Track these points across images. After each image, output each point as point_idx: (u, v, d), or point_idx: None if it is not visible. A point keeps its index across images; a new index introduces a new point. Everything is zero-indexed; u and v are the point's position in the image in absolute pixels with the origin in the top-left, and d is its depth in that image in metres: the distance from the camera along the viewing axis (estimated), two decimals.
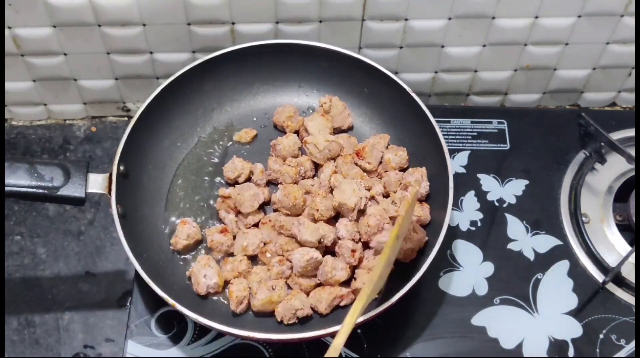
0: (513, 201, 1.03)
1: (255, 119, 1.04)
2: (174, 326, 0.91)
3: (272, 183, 0.98)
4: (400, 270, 0.88)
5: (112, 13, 0.96)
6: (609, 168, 1.04)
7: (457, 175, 1.05)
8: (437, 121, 0.98)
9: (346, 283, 0.89)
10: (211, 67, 0.98)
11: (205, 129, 1.02)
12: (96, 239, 1.00)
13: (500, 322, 0.93)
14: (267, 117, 1.04)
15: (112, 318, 0.95)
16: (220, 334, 0.90)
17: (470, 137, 1.08)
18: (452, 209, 0.99)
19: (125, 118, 1.13)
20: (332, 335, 0.86)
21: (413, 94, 0.95)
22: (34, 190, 0.83)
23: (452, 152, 1.07)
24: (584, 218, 1.00)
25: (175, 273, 0.90)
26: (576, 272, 0.97)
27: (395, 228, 0.77)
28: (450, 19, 1.01)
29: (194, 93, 0.99)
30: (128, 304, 0.94)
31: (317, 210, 0.90)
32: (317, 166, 0.98)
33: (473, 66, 1.10)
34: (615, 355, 0.91)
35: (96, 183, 0.85)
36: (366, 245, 0.90)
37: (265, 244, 0.91)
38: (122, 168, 0.89)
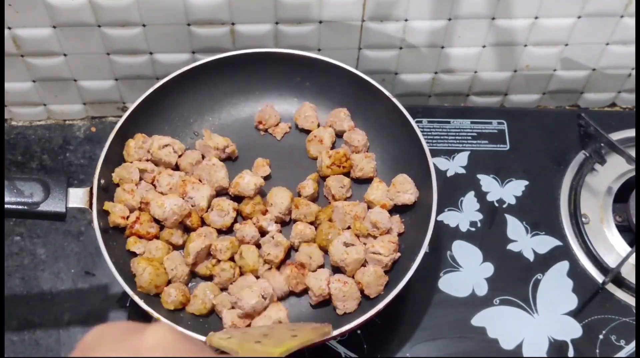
0: (513, 201, 1.03)
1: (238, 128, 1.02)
2: None
3: None
4: (391, 274, 0.88)
5: (112, 13, 0.96)
6: (609, 168, 1.04)
7: (456, 176, 1.04)
8: (437, 122, 0.99)
9: None
10: (188, 79, 0.96)
11: (186, 140, 0.99)
12: (95, 239, 0.98)
13: (500, 322, 0.93)
14: (250, 127, 1.02)
15: (112, 318, 0.94)
16: None
17: (470, 137, 1.08)
18: (451, 210, 1.01)
19: None
20: (335, 338, 0.87)
21: (389, 95, 0.94)
22: (13, 206, 0.82)
23: (452, 152, 1.06)
24: (583, 219, 1.00)
25: None
26: (576, 273, 0.97)
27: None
28: (450, 19, 1.01)
29: (173, 105, 0.98)
30: (128, 305, 0.94)
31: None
32: None
33: (473, 67, 1.10)
34: (615, 356, 0.91)
35: (77, 197, 0.84)
36: None
37: None
38: (102, 181, 0.88)
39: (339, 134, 0.99)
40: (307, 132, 1.00)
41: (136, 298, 0.81)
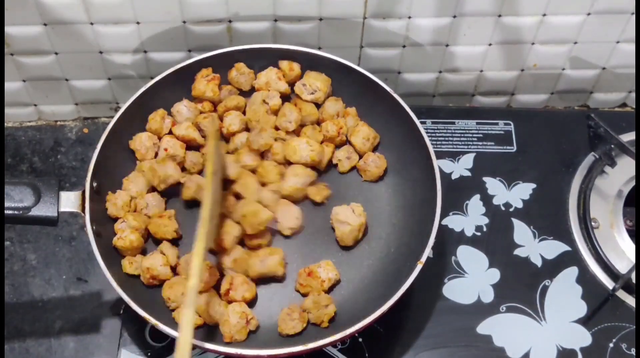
0: (520, 205, 1.02)
1: None
2: (168, 335, 0.89)
3: None
4: (393, 278, 0.87)
5: (105, 11, 0.95)
6: (619, 171, 1.03)
7: (462, 178, 1.04)
8: (442, 123, 0.97)
9: None
10: (182, 77, 0.96)
11: None
12: (88, 244, 0.97)
13: (507, 330, 0.92)
14: None
15: (105, 326, 0.93)
16: None
17: (475, 139, 1.08)
18: (456, 214, 1.01)
19: None
20: (335, 345, 0.87)
21: (394, 94, 0.94)
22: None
23: (457, 154, 1.06)
24: (593, 223, 0.99)
25: (157, 293, 0.88)
26: (585, 279, 0.96)
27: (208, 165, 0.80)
28: (455, 17, 1.00)
29: (167, 104, 0.97)
30: (121, 312, 0.93)
31: None
32: None
33: (478, 66, 1.09)
34: None
35: (69, 201, 0.83)
36: None
37: None
38: (95, 184, 0.87)
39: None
40: None
41: (133, 305, 0.80)
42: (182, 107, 0.95)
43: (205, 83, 0.95)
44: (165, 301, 0.85)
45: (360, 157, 0.96)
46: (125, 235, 0.86)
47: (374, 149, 0.97)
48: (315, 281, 0.86)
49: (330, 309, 0.85)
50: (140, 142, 0.93)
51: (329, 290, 0.88)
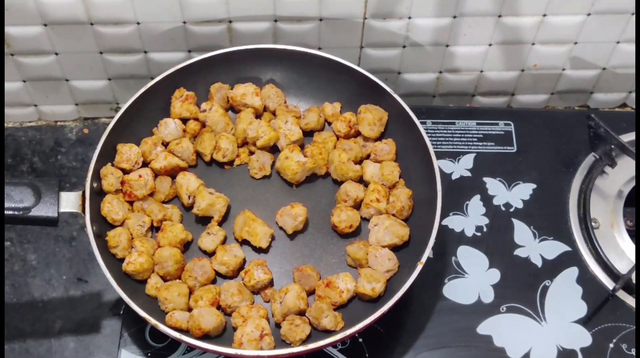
0: (520, 205, 1.02)
1: None
2: (168, 335, 0.89)
3: None
4: (394, 278, 0.88)
5: (105, 11, 0.95)
6: (620, 171, 1.03)
7: (462, 179, 1.04)
8: (442, 123, 0.97)
9: None
10: (182, 77, 0.96)
11: None
12: (88, 245, 0.97)
13: (507, 330, 0.92)
14: None
15: (105, 326, 0.93)
16: None
17: (475, 139, 1.07)
18: (456, 214, 1.01)
19: None
20: (335, 345, 0.86)
21: (394, 94, 0.94)
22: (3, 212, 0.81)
23: (457, 155, 1.06)
24: (593, 223, 0.99)
25: None
26: (585, 279, 0.96)
27: None
28: (455, 17, 1.00)
29: (167, 105, 0.97)
30: (121, 312, 0.93)
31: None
32: None
33: (479, 66, 1.09)
34: None
35: (69, 201, 0.84)
36: None
37: None
38: (95, 184, 0.88)
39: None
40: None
41: (133, 305, 0.80)
42: (171, 122, 0.95)
43: (179, 104, 0.95)
44: (162, 303, 0.85)
45: (375, 141, 0.97)
46: (134, 259, 0.86)
47: (386, 127, 0.97)
48: (333, 292, 0.86)
49: (307, 330, 0.84)
50: (129, 150, 0.92)
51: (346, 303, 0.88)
